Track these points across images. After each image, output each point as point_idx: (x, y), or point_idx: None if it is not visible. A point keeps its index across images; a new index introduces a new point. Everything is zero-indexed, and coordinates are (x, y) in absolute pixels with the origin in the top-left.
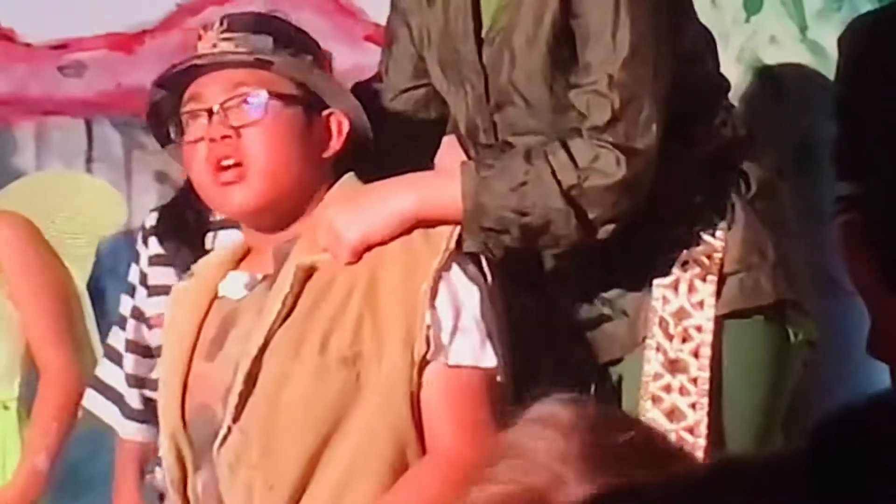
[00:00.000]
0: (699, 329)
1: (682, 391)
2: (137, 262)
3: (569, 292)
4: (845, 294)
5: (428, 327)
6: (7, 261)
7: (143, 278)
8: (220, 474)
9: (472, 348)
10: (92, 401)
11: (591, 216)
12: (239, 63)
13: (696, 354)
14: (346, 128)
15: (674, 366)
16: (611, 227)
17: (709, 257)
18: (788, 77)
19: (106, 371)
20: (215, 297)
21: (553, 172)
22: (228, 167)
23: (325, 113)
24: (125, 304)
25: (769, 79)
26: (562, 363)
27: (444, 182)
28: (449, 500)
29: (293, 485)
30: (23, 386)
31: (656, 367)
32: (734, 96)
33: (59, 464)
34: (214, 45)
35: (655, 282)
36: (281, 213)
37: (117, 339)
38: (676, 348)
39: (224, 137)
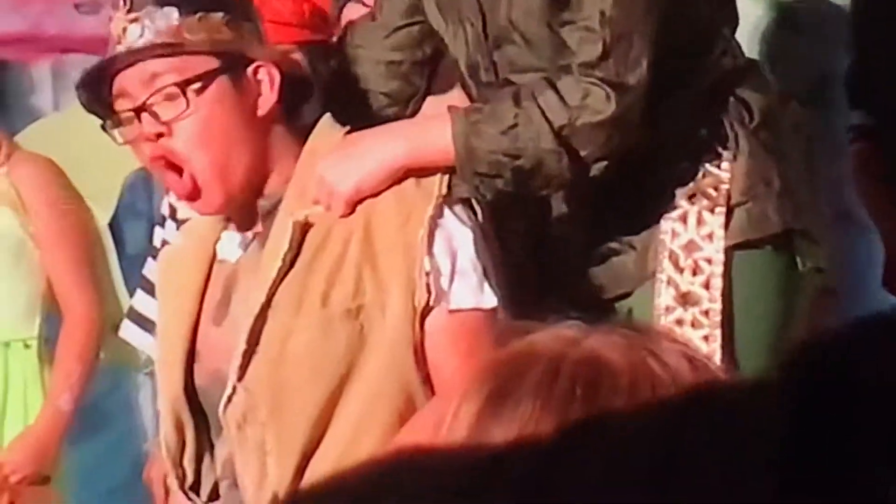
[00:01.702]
0: (709, 261)
1: (695, 324)
2: (168, 194)
3: (578, 229)
4: (862, 228)
5: (427, 274)
6: (30, 201)
7: (173, 212)
8: (229, 434)
9: (472, 291)
10: (128, 331)
11: (582, 154)
12: (148, 55)
13: (706, 286)
14: (277, 78)
15: (685, 299)
16: (603, 164)
17: (716, 189)
18: (806, 10)
19: (141, 302)
20: (213, 259)
21: (543, 113)
22: (176, 171)
23: (250, 69)
24: (157, 235)
25: (787, 11)
26: (570, 299)
27: (432, 128)
28: None
29: (304, 440)
30: (43, 325)
31: (667, 301)
32: (752, 30)
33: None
34: (124, 30)
35: (663, 215)
36: (248, 191)
37: (151, 270)
38: (687, 281)
39: (159, 135)
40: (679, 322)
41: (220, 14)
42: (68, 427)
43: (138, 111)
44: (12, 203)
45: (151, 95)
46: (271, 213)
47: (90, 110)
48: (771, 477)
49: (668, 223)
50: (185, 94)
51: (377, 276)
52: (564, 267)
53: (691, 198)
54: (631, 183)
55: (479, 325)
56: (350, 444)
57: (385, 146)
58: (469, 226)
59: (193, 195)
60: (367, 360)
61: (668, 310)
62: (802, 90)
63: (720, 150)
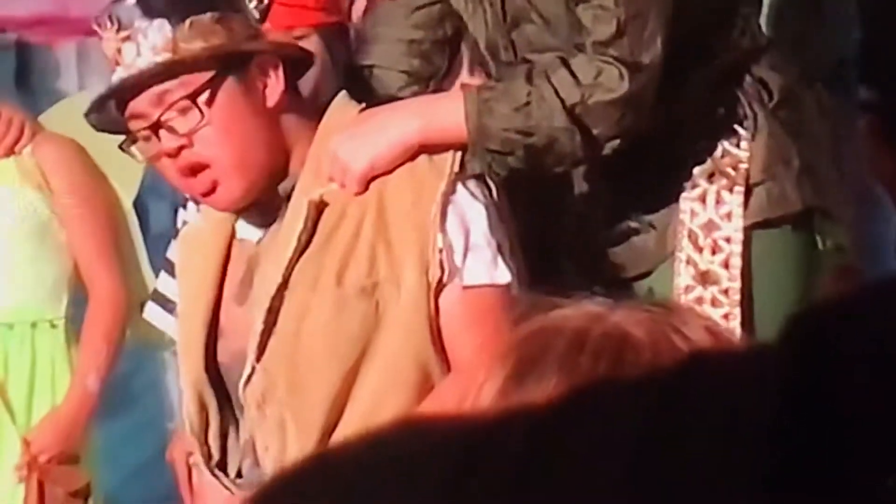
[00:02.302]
0: (728, 240)
1: (714, 303)
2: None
3: (598, 207)
4: (881, 205)
5: (440, 251)
6: (54, 181)
7: None
8: (248, 414)
9: (486, 267)
10: (152, 313)
11: (595, 132)
12: (152, 80)
13: (726, 265)
14: (279, 67)
15: (704, 278)
16: (616, 142)
17: (734, 168)
18: None
19: (165, 284)
20: (232, 237)
21: (556, 91)
22: (199, 173)
23: (252, 64)
24: (180, 217)
25: None
26: (591, 277)
27: (444, 105)
28: None
29: (323, 418)
30: (70, 306)
31: (687, 280)
32: (774, 11)
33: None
34: (119, 51)
35: (682, 195)
36: (268, 183)
37: (175, 252)
38: (707, 260)
39: (181, 149)
40: (699, 301)
41: (209, 15)
42: (95, 406)
43: (154, 129)
44: (37, 184)
45: (164, 113)
46: (291, 192)
47: (105, 130)
48: (762, 449)
49: (687, 203)
50: (196, 105)
51: (391, 253)
52: (584, 245)
53: (710, 177)
54: (650, 162)
55: (494, 301)
56: (368, 421)
57: (398, 123)
58: (482, 202)
59: (210, 192)
60: (383, 337)
61: (687, 289)
62: (825, 71)
63: (739, 129)
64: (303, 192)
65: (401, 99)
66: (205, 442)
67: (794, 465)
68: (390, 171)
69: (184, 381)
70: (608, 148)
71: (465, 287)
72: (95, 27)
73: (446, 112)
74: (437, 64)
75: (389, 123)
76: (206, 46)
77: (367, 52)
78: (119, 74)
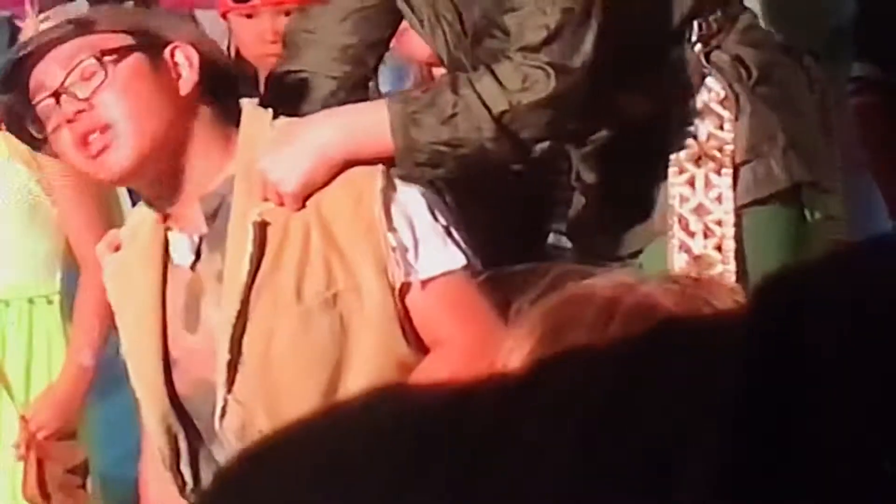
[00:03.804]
0: (719, 223)
1: None
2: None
3: (591, 191)
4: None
5: (393, 249)
6: (43, 157)
7: None
8: (227, 446)
9: (438, 255)
10: None
11: (523, 137)
12: (62, 38)
13: (719, 249)
14: (195, 58)
15: (699, 262)
16: (545, 144)
17: (720, 150)
18: None
19: None
20: (164, 263)
21: (482, 100)
22: (94, 138)
23: (167, 51)
24: None
25: None
26: (588, 256)
27: (367, 119)
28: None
29: None
30: (65, 281)
31: (681, 265)
32: None
33: (102, 357)
34: (36, 31)
35: (671, 180)
36: (164, 168)
37: None
38: (700, 245)
39: (79, 113)
40: None
41: (130, 2)
42: (91, 382)
43: (57, 95)
44: (25, 160)
45: (69, 75)
46: (217, 212)
47: (10, 124)
48: (728, 413)
49: (675, 188)
50: (102, 64)
51: (345, 261)
52: (580, 225)
53: (697, 161)
54: (637, 148)
55: (455, 286)
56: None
57: (321, 141)
58: (418, 189)
59: (103, 151)
60: (355, 345)
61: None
62: (817, 43)
63: (721, 110)
64: (241, 213)
65: (328, 106)
66: (178, 472)
67: (763, 439)
68: (324, 186)
69: (148, 416)
70: (537, 150)
71: (425, 280)
72: (18, 23)
73: (371, 124)
74: (369, 65)
75: (312, 141)
76: (119, 21)
77: (295, 57)
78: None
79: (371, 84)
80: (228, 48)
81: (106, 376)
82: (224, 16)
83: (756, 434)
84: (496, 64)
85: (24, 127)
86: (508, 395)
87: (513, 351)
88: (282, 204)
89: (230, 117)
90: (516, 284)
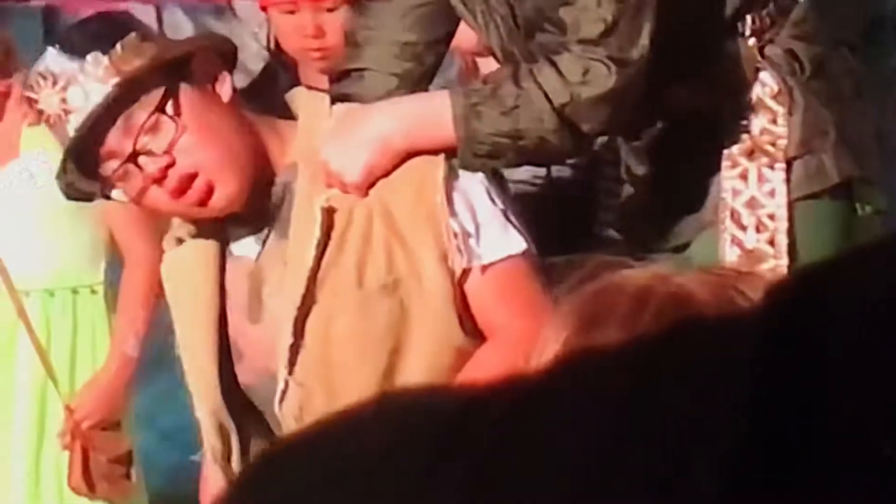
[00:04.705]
0: (772, 217)
1: None
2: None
3: (642, 183)
4: None
5: (455, 236)
6: None
7: None
8: (286, 430)
9: (499, 240)
10: None
11: (584, 129)
12: (113, 107)
13: (771, 243)
14: (220, 65)
15: (751, 256)
16: (605, 137)
17: (773, 145)
18: None
19: None
20: (223, 256)
21: (544, 92)
22: (188, 186)
23: (193, 68)
24: None
25: None
26: (637, 248)
27: (429, 109)
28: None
29: None
30: (108, 272)
31: (733, 259)
32: None
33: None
34: (64, 101)
35: (723, 174)
36: (258, 179)
37: None
38: (752, 239)
39: (167, 169)
40: None
41: (132, 35)
42: (135, 372)
43: (133, 159)
44: None
45: (137, 139)
46: (283, 200)
47: (73, 197)
48: (740, 411)
49: (728, 182)
50: (167, 116)
51: (406, 248)
52: (630, 217)
53: (750, 155)
54: (688, 142)
55: (515, 271)
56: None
57: (384, 130)
58: (479, 175)
59: (207, 196)
60: (413, 332)
61: None
62: (854, 33)
63: (775, 105)
64: (307, 199)
65: None
66: (228, 467)
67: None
68: (387, 174)
69: (200, 409)
70: (597, 144)
71: (486, 266)
72: (27, 94)
73: (433, 115)
74: (429, 65)
75: (375, 130)
76: (143, 62)
77: (357, 55)
78: (76, 122)
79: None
80: (268, 39)
81: (148, 363)
82: (264, 9)
83: (768, 435)
84: (557, 56)
85: (82, 190)
86: (523, 400)
87: (548, 342)
88: (346, 191)
89: (270, 106)
90: (555, 275)
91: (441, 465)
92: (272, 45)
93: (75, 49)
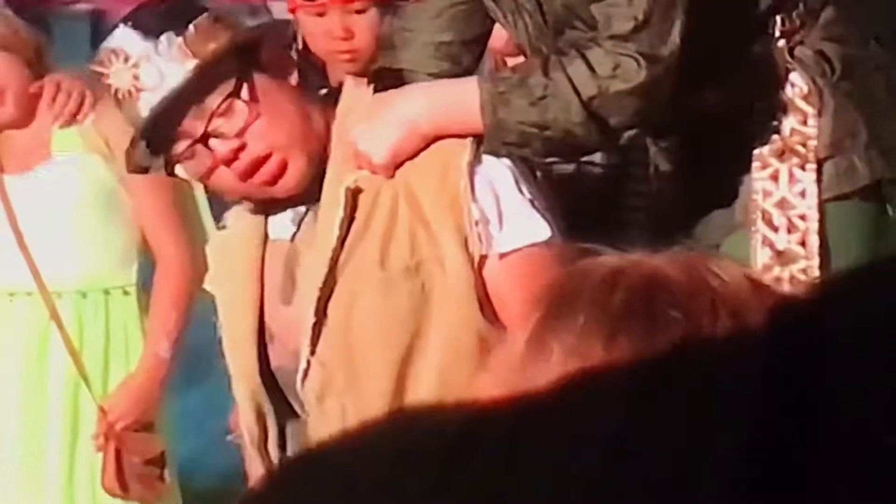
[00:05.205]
0: (803, 218)
1: (793, 282)
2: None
3: (670, 183)
4: None
5: (476, 223)
6: (118, 148)
7: None
8: (308, 409)
9: (522, 227)
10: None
11: (611, 123)
12: (186, 94)
13: (803, 244)
14: (285, 47)
15: (782, 257)
16: (632, 132)
17: (804, 145)
18: None
19: None
20: (265, 240)
21: (572, 84)
22: (259, 168)
23: (263, 51)
24: None
25: None
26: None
27: (458, 94)
28: None
29: (384, 403)
30: (140, 273)
31: (764, 260)
32: None
33: (182, 348)
34: (136, 78)
35: (754, 175)
36: (321, 159)
37: None
38: (783, 239)
39: (238, 151)
40: (777, 281)
41: (204, 16)
42: (169, 373)
43: (204, 140)
44: (102, 151)
45: (209, 122)
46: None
47: (135, 171)
48: (742, 425)
49: (759, 182)
50: (241, 98)
51: (430, 232)
52: (658, 218)
53: (781, 155)
54: (719, 141)
55: (539, 258)
56: (439, 398)
57: (411, 112)
58: (505, 161)
59: (278, 176)
60: (434, 315)
61: (765, 268)
62: (886, 30)
63: (805, 105)
64: (336, 180)
65: None
66: (265, 452)
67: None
68: (414, 157)
69: (238, 390)
70: (625, 138)
71: (505, 253)
72: (97, 69)
73: (461, 101)
74: (466, 65)
75: (403, 112)
76: (217, 45)
77: (394, 57)
78: (149, 100)
79: None
80: (295, 41)
81: (188, 368)
82: (293, 11)
83: (772, 439)
84: (587, 50)
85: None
86: (527, 417)
87: (515, 333)
88: (374, 172)
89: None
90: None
91: (447, 481)
92: (300, 47)
93: (148, 28)
